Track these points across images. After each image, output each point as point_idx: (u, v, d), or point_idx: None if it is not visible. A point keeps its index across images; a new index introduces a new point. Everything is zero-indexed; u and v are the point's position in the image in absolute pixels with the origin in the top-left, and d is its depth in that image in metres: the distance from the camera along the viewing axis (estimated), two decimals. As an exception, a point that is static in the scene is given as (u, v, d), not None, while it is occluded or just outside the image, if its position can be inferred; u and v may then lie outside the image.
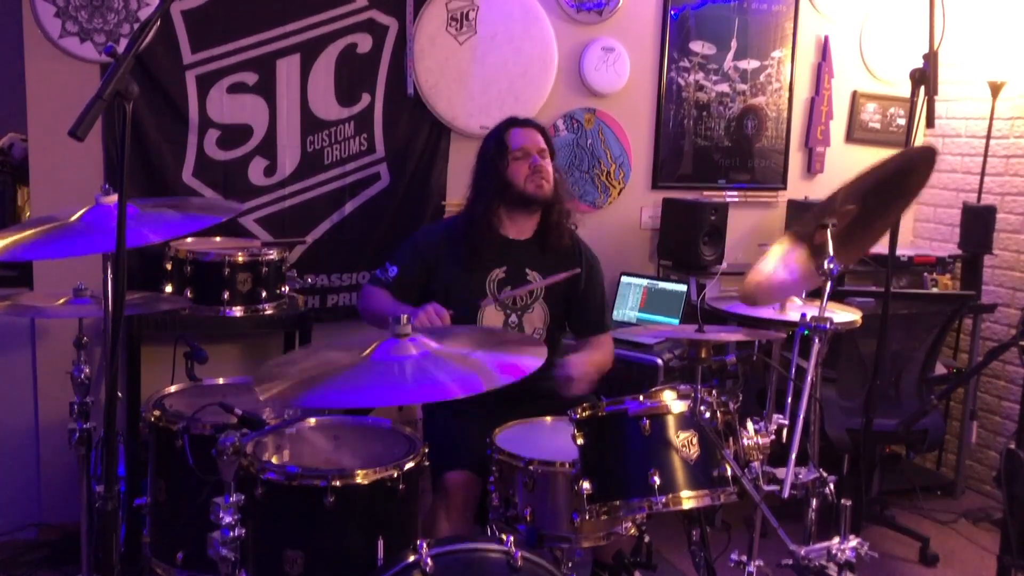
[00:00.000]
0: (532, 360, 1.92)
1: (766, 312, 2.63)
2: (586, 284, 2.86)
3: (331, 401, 1.80)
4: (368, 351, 1.89)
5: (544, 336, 2.81)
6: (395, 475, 2.02)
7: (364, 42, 3.50)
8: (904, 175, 2.27)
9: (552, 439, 2.35)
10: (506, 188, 2.75)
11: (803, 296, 2.72)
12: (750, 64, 4.19)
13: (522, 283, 2.77)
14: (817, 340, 2.26)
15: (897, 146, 4.28)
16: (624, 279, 3.92)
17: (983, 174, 4.18)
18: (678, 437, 2.01)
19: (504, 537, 1.90)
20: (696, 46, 4.08)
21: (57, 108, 3.10)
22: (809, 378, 2.20)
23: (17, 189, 3.50)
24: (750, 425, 2.15)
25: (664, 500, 1.97)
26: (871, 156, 4.48)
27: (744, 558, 2.25)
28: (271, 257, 3.09)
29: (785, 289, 2.44)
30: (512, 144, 2.77)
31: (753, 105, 4.23)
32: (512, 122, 2.86)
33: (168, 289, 3.01)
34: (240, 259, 3.01)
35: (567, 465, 2.14)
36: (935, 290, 4.08)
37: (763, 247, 2.43)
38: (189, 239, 3.16)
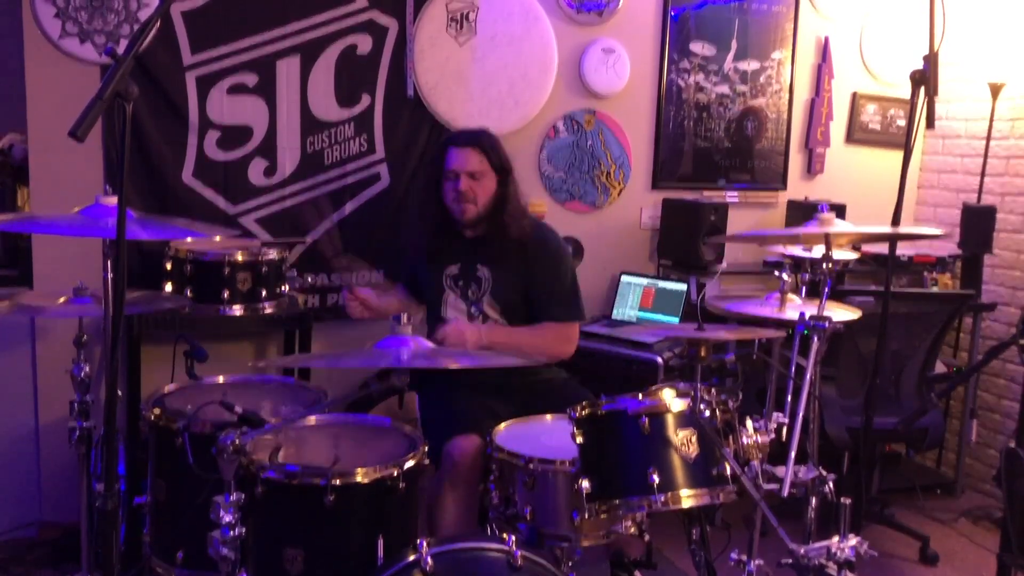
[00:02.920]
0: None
1: (766, 311, 2.64)
2: (538, 275, 2.88)
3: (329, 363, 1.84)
4: (370, 344, 1.93)
5: (505, 323, 2.91)
6: (395, 474, 2.03)
7: (364, 43, 3.50)
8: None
9: (552, 438, 2.35)
10: (440, 200, 2.89)
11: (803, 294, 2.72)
12: (750, 65, 4.19)
13: (473, 277, 2.90)
14: (816, 339, 2.27)
15: (897, 147, 4.28)
16: (624, 278, 3.93)
17: (983, 174, 4.19)
18: (677, 435, 2.01)
19: (504, 536, 1.91)
20: (696, 47, 4.08)
21: (57, 109, 3.11)
22: (808, 376, 2.21)
23: (17, 189, 3.50)
24: (749, 424, 2.15)
25: (663, 499, 1.97)
26: (871, 157, 4.51)
27: (744, 557, 2.25)
28: (271, 257, 3.09)
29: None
30: (446, 164, 2.87)
31: (753, 106, 4.23)
32: (451, 139, 2.96)
33: (168, 288, 3.01)
34: (240, 258, 3.01)
35: (567, 464, 2.14)
36: (935, 289, 4.08)
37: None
38: (189, 238, 3.17)
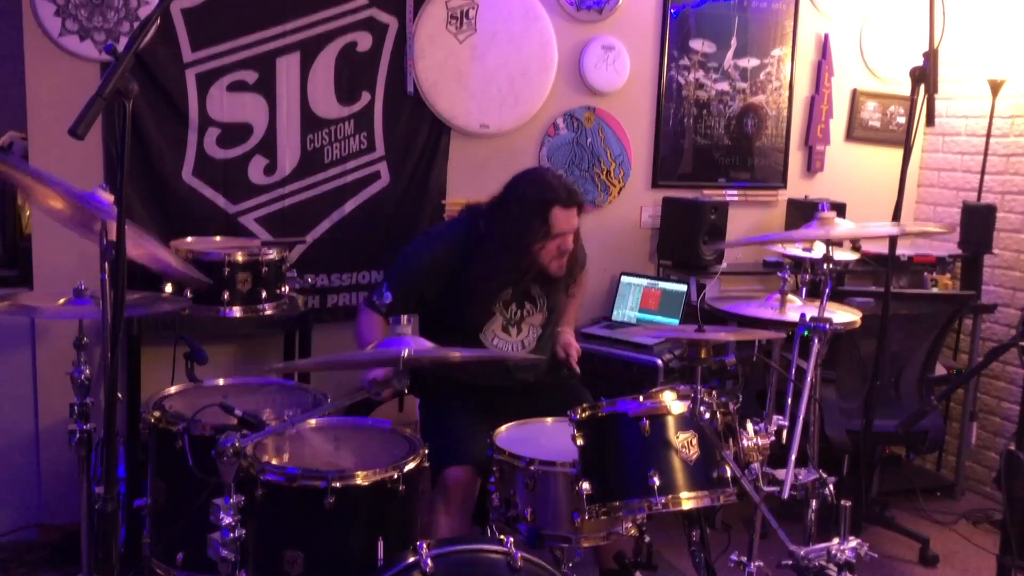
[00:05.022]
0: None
1: (766, 312, 2.63)
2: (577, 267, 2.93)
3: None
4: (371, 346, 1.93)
5: (540, 333, 2.86)
6: (395, 476, 2.02)
7: (364, 40, 3.50)
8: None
9: (552, 440, 2.35)
10: (532, 259, 2.73)
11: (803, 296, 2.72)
12: (750, 62, 4.18)
13: (527, 297, 2.83)
14: (817, 340, 2.26)
15: (897, 145, 4.28)
16: (624, 279, 3.92)
17: (983, 173, 4.18)
18: (678, 438, 2.01)
19: (504, 537, 1.91)
20: (696, 44, 4.08)
21: (57, 107, 3.10)
22: (809, 379, 2.21)
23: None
24: (750, 426, 2.15)
25: (664, 501, 1.97)
26: (871, 154, 4.50)
27: (744, 559, 2.25)
28: (271, 257, 3.08)
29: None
30: (555, 228, 2.69)
31: (753, 103, 4.22)
32: (557, 199, 2.70)
33: (168, 289, 3.00)
34: (240, 259, 3.00)
35: (567, 465, 2.14)
36: (935, 290, 4.07)
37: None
38: (189, 238, 3.16)
